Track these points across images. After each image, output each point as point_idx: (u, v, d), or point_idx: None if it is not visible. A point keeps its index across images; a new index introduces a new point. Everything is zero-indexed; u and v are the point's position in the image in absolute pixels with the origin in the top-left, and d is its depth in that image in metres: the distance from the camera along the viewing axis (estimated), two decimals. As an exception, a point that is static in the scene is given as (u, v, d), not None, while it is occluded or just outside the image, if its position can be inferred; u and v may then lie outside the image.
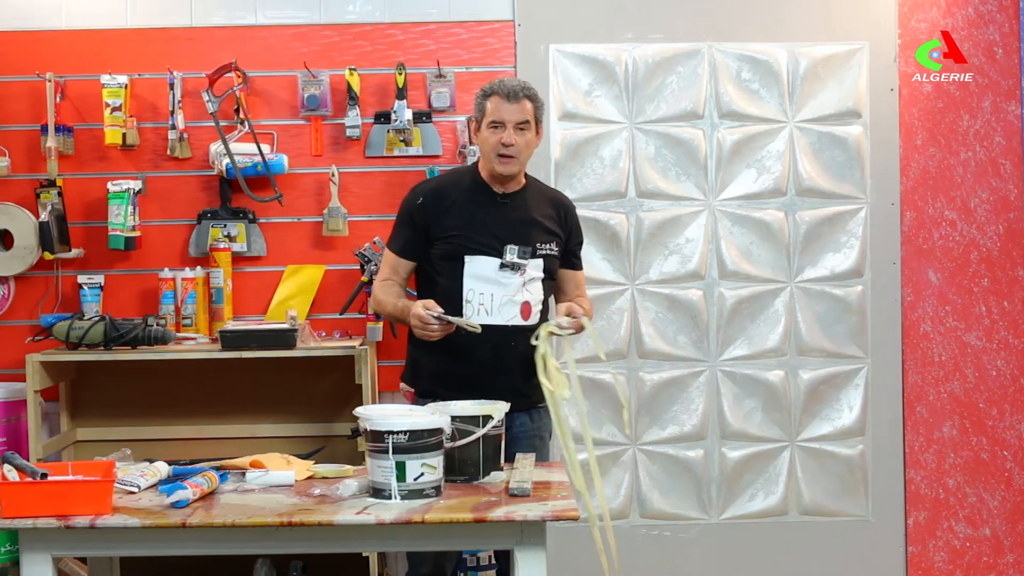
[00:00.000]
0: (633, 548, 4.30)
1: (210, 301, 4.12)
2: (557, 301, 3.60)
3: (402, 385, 3.60)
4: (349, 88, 4.17)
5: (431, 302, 3.31)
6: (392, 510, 2.61)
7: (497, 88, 3.45)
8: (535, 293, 3.46)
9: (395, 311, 3.45)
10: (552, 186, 4.25)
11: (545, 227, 3.50)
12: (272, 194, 4.13)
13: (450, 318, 3.26)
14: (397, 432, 2.67)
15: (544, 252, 3.48)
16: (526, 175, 3.55)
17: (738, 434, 4.31)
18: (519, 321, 3.43)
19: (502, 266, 3.40)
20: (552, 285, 3.55)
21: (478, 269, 3.40)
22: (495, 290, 3.40)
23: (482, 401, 3.03)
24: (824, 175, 4.32)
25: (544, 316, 3.51)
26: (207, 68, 4.13)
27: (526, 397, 3.44)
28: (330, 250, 4.22)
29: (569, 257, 3.60)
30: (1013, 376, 4.37)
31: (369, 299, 3.64)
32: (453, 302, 3.37)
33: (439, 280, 3.44)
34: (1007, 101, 4.35)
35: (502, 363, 3.42)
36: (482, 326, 3.34)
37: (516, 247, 3.41)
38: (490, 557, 4.00)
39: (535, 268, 3.45)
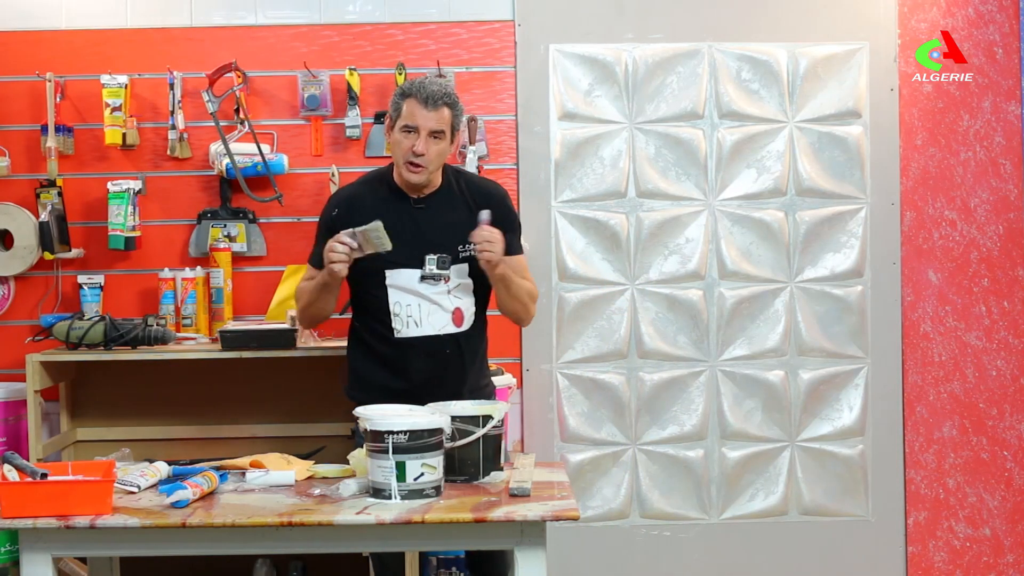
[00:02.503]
0: (633, 548, 4.30)
1: (210, 301, 4.12)
2: (496, 293, 3.43)
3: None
4: (349, 88, 4.17)
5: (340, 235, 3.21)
6: (392, 510, 2.61)
7: (416, 91, 3.26)
8: (465, 298, 3.36)
9: (316, 285, 3.33)
10: (552, 186, 4.26)
11: (465, 227, 3.31)
12: (272, 194, 4.13)
13: (355, 231, 3.16)
14: (397, 432, 2.67)
15: (467, 254, 3.32)
16: (447, 169, 3.40)
17: (738, 434, 4.31)
18: (452, 328, 3.34)
19: (423, 278, 3.29)
20: (486, 283, 3.38)
21: (400, 282, 3.31)
22: (421, 301, 3.31)
23: (482, 401, 3.03)
24: (824, 175, 4.32)
25: (483, 315, 3.42)
26: (207, 68, 4.13)
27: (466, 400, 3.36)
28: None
29: (509, 248, 3.34)
30: (1013, 376, 4.37)
31: (296, 307, 3.54)
32: (381, 316, 3.31)
33: (364, 295, 3.36)
34: (1007, 101, 4.34)
35: (439, 372, 3.35)
36: (414, 338, 3.29)
37: (435, 257, 3.28)
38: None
39: (459, 274, 3.33)
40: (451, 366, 3.37)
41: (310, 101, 4.18)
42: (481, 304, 3.41)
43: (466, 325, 3.36)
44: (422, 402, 3.05)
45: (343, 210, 3.38)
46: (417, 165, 3.26)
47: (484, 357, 3.51)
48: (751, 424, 4.31)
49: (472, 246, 3.27)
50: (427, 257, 3.28)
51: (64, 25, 4.20)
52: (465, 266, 3.34)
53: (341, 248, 3.19)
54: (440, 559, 3.99)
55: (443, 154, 3.31)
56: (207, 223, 4.20)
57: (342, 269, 3.20)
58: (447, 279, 3.30)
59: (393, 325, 3.31)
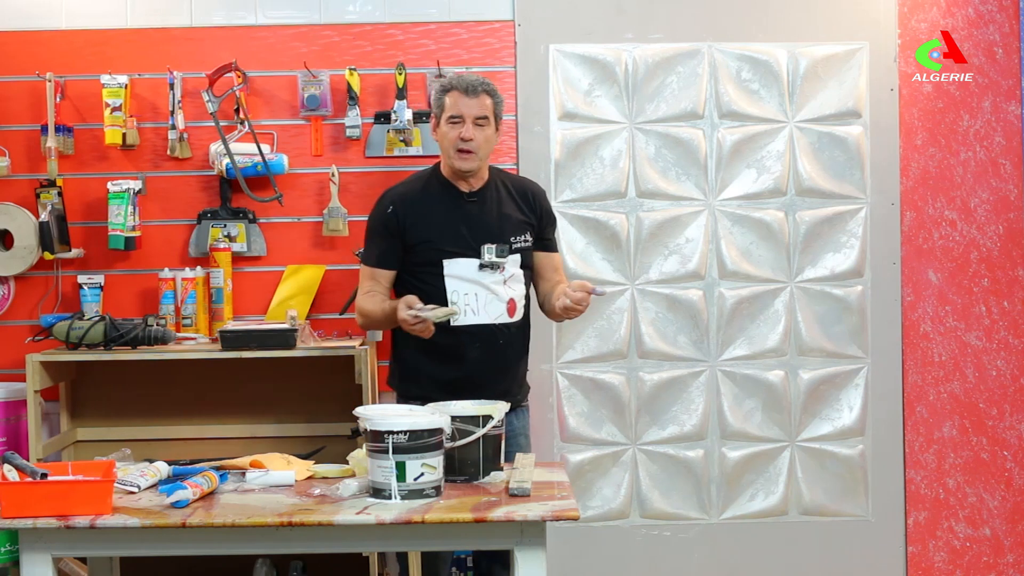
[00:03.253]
0: (633, 548, 4.30)
1: (210, 301, 4.12)
2: (537, 288, 3.62)
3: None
4: (349, 88, 4.17)
5: (411, 298, 3.29)
6: (392, 510, 2.62)
7: (456, 83, 3.44)
8: (517, 288, 3.49)
9: (383, 316, 3.43)
10: (552, 186, 4.27)
11: (516, 220, 3.51)
12: (272, 194, 4.13)
13: (425, 315, 3.25)
14: (397, 432, 2.67)
15: (520, 246, 3.49)
16: (489, 168, 3.54)
17: (738, 434, 4.31)
18: (506, 319, 3.45)
19: (481, 266, 3.41)
20: (530, 275, 3.56)
21: (458, 271, 3.40)
22: (478, 290, 3.41)
23: (482, 401, 3.03)
24: (824, 175, 4.32)
25: (528, 309, 3.54)
26: (207, 68, 4.13)
27: (514, 396, 3.48)
28: (330, 250, 4.22)
29: (543, 241, 3.60)
30: (1013, 376, 4.37)
31: (356, 314, 3.58)
32: (439, 305, 3.37)
33: (421, 286, 3.42)
34: (1007, 101, 4.34)
35: (492, 362, 3.45)
36: (471, 326, 3.37)
37: (493, 246, 3.41)
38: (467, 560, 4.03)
39: (513, 264, 3.47)
40: (503, 357, 3.48)
41: (310, 101, 4.18)
42: (528, 297, 3.55)
43: (518, 316, 3.48)
44: (474, 393, 3.17)
45: (399, 207, 3.46)
46: (467, 151, 3.39)
47: (527, 354, 3.63)
48: (751, 424, 4.31)
49: (525, 237, 3.49)
50: (486, 246, 3.41)
51: (64, 25, 4.20)
52: (518, 257, 3.48)
53: (415, 323, 3.25)
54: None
55: (490, 141, 3.45)
56: (207, 223, 4.20)
57: (426, 332, 3.29)
58: (503, 268, 3.42)
59: (452, 318, 3.38)
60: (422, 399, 3.18)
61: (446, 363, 3.41)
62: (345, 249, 4.19)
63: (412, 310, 3.25)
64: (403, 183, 3.59)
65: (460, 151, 3.40)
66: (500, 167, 3.70)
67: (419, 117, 4.20)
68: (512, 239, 3.47)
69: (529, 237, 3.53)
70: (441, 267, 3.40)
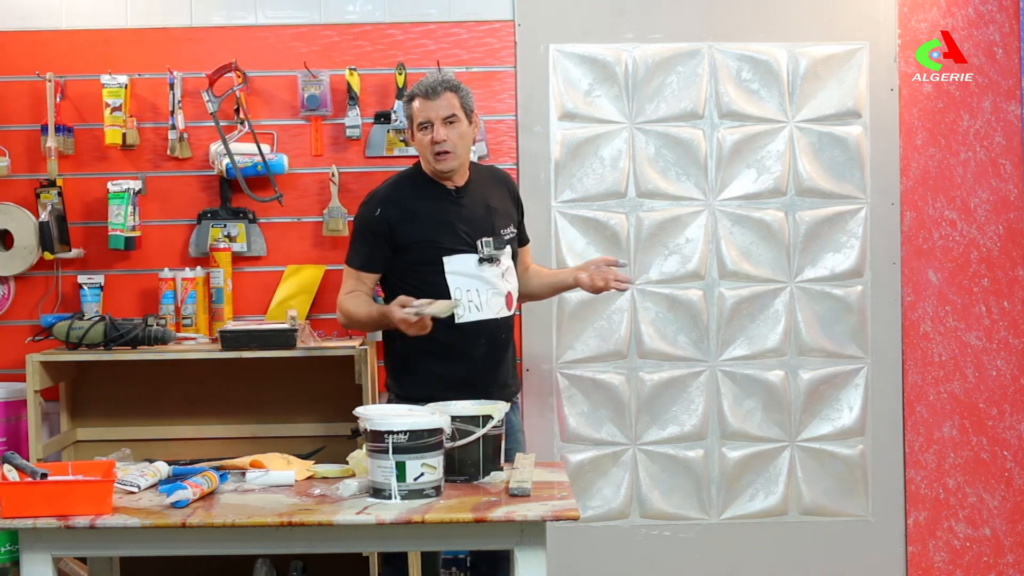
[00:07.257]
0: (633, 548, 4.30)
1: (210, 301, 4.12)
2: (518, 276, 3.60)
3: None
4: (349, 88, 4.17)
5: (403, 298, 3.25)
6: (392, 510, 2.62)
7: (417, 90, 3.41)
8: (512, 281, 3.49)
9: (370, 319, 3.41)
10: (552, 186, 4.27)
11: (502, 212, 3.51)
12: (272, 194, 4.13)
13: (426, 311, 3.21)
14: (397, 432, 2.67)
15: (509, 237, 3.50)
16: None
17: (738, 434, 4.31)
18: (505, 312, 3.45)
19: (481, 260, 3.39)
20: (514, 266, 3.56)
21: (459, 267, 3.38)
22: (479, 285, 3.39)
23: (482, 401, 3.03)
24: (824, 175, 4.32)
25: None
26: (207, 68, 4.13)
27: (511, 389, 3.51)
28: (330, 250, 4.22)
29: (522, 232, 3.64)
30: (1013, 376, 4.37)
31: (338, 313, 3.54)
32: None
33: (422, 285, 3.37)
34: (1007, 101, 4.34)
35: (495, 357, 3.46)
36: (477, 322, 3.36)
37: (490, 239, 3.41)
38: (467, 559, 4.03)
39: (507, 256, 3.47)
40: (503, 352, 3.49)
41: (310, 101, 4.19)
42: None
43: (513, 308, 3.49)
44: (479, 390, 3.20)
45: (388, 209, 3.41)
46: (444, 152, 3.37)
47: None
48: (751, 424, 4.31)
49: (511, 229, 3.49)
50: (482, 240, 3.40)
51: (64, 25, 4.20)
52: (508, 248, 3.48)
53: (414, 321, 3.22)
54: (443, 558, 4.00)
55: (465, 136, 3.41)
56: (207, 223, 4.20)
57: (425, 328, 3.26)
58: (500, 261, 3.42)
59: (455, 312, 3.35)
60: (425, 399, 3.10)
61: (453, 361, 3.38)
62: (345, 249, 4.17)
63: (409, 308, 3.21)
64: (388, 184, 3.53)
65: (437, 154, 3.37)
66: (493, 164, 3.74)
67: (419, 117, 4.20)
68: (502, 231, 3.47)
69: (513, 228, 3.53)
70: (442, 265, 3.37)
